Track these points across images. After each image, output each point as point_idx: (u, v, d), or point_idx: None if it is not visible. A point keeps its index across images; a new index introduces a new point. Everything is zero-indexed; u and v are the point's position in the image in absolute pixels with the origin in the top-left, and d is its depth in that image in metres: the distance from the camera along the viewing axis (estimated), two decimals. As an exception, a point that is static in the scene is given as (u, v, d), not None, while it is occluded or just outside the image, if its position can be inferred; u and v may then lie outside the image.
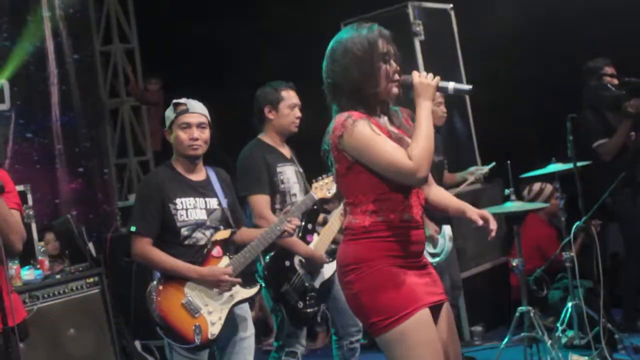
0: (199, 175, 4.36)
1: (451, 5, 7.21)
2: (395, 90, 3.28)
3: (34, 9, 8.13)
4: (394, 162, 3.09)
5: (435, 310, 3.23)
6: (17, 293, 4.00)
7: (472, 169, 6.26)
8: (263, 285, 4.66)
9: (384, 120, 3.31)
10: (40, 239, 6.09)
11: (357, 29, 3.28)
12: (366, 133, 3.10)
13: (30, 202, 5.93)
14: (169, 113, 4.30)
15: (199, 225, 4.21)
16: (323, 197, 4.62)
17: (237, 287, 4.22)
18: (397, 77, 3.27)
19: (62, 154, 8.39)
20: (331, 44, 3.30)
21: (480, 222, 3.42)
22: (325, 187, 4.62)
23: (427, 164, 3.12)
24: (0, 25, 7.66)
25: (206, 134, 4.29)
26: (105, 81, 9.38)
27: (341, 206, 4.71)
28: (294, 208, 4.53)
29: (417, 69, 6.46)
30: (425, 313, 3.15)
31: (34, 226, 5.95)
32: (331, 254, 4.79)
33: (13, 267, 5.33)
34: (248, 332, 4.35)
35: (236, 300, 4.23)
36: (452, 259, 5.94)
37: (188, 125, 4.24)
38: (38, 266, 5.72)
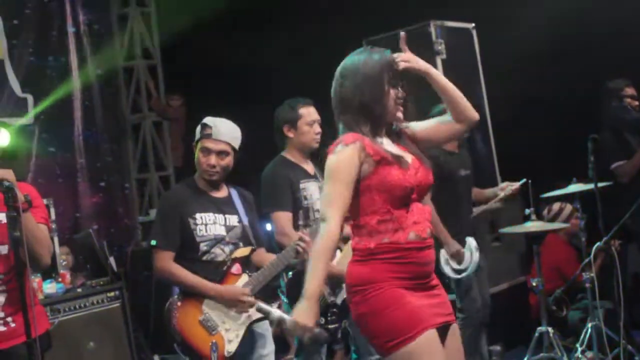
0: (220, 193, 4.40)
1: (473, 25, 7.23)
2: (400, 114, 3.34)
3: (60, 25, 8.21)
4: (328, 203, 3.17)
5: (442, 331, 3.23)
6: (41, 305, 4.04)
7: (503, 184, 6.20)
8: (286, 300, 4.67)
9: (384, 141, 3.32)
10: (55, 253, 6.12)
11: (369, 52, 3.36)
12: (337, 168, 3.18)
13: (53, 216, 5.97)
14: (198, 130, 4.35)
15: (217, 241, 4.24)
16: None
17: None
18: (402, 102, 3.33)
19: (84, 168, 8.43)
20: (343, 63, 3.36)
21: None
22: None
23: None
24: (26, 41, 7.74)
25: (226, 161, 4.31)
26: (128, 97, 9.44)
27: None
28: (314, 226, 4.50)
29: (439, 88, 6.59)
30: (431, 334, 3.14)
31: (56, 240, 5.99)
32: None
33: (35, 280, 5.37)
34: (267, 350, 4.36)
35: (254, 318, 4.24)
36: (482, 278, 5.92)
37: (208, 151, 4.27)
38: (60, 279, 5.76)
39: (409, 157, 3.29)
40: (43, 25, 8.02)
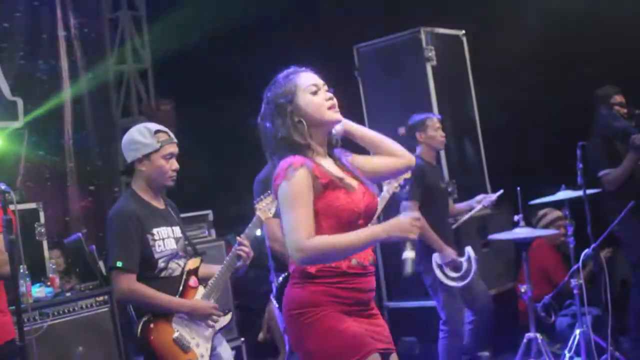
0: (161, 204, 4.27)
1: (463, 31, 7.26)
2: (337, 114, 3.21)
3: (51, 29, 8.20)
4: (293, 230, 3.00)
5: (384, 358, 3.17)
6: (11, 314, 3.92)
7: (480, 197, 6.26)
8: (276, 305, 4.66)
9: (328, 162, 3.22)
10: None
11: (274, 81, 3.28)
12: (293, 190, 3.03)
13: (42, 220, 5.96)
14: (149, 141, 4.13)
15: (173, 256, 4.14)
16: (267, 218, 4.45)
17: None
18: (330, 102, 3.19)
19: (74, 172, 8.42)
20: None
21: None
22: (267, 207, 4.41)
23: (316, 258, 3.02)
24: (16, 44, 7.73)
25: None
26: (118, 100, 9.44)
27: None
28: (246, 231, 4.40)
29: (429, 94, 6.64)
30: (376, 358, 3.08)
31: (45, 244, 5.98)
32: None
33: (24, 284, 5.35)
34: (226, 354, 4.34)
35: (217, 329, 4.22)
36: (479, 282, 5.96)
37: (172, 156, 4.17)
38: (49, 283, 5.74)
39: (353, 182, 3.20)
40: (33, 29, 8.02)
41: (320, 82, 3.22)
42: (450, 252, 5.70)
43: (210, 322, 4.15)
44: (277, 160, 3.15)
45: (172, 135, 4.23)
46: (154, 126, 4.22)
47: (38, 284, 5.65)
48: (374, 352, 3.07)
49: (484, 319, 6.06)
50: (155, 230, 4.10)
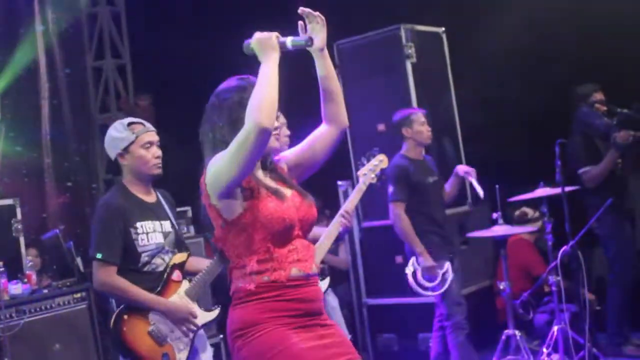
0: (151, 197, 4.26)
1: (443, 29, 7.27)
2: (276, 143, 3.12)
3: (28, 23, 8.14)
4: (236, 143, 2.82)
5: None
6: None
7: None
8: None
9: (259, 174, 3.08)
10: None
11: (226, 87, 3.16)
12: (218, 159, 2.89)
13: (19, 216, 5.91)
14: (124, 134, 4.15)
15: (158, 250, 4.12)
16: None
17: (199, 311, 4.18)
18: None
19: (51, 168, 8.38)
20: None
21: None
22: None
23: (266, 110, 2.80)
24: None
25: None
26: (97, 96, 9.39)
27: (332, 222, 4.73)
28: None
29: (409, 91, 6.65)
30: None
31: (22, 240, 5.93)
32: (321, 273, 4.79)
33: (0, 280, 5.31)
34: (207, 352, 4.31)
35: (200, 324, 4.18)
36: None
37: (151, 144, 4.16)
38: (25, 280, 5.70)
39: (287, 191, 3.06)
40: (11, 23, 7.95)
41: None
42: (429, 260, 5.65)
43: (184, 330, 4.09)
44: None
45: (147, 124, 4.23)
46: (128, 119, 4.24)
47: (14, 281, 5.60)
48: None
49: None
50: (139, 224, 4.08)
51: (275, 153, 3.19)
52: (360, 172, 4.95)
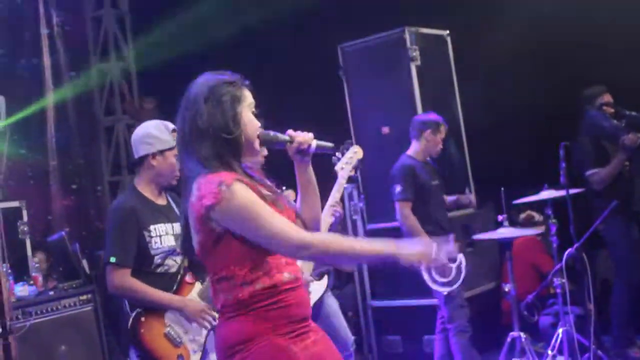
0: (162, 200, 4.28)
1: (447, 32, 7.27)
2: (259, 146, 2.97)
3: (32, 26, 8.16)
4: (282, 234, 2.73)
5: None
6: None
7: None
8: None
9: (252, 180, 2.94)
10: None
11: (214, 75, 3.21)
12: (250, 200, 2.74)
13: (25, 218, 5.93)
14: (167, 137, 4.13)
15: (170, 253, 4.14)
16: None
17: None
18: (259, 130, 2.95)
19: (56, 170, 8.38)
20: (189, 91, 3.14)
21: None
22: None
23: (325, 250, 2.80)
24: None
25: None
26: (101, 99, 9.40)
27: (323, 212, 4.72)
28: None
29: (413, 94, 6.65)
30: None
31: (28, 242, 5.95)
32: (318, 273, 4.79)
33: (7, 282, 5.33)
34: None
35: (214, 324, 4.16)
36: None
37: (176, 156, 4.12)
38: (32, 282, 5.71)
39: (283, 198, 3.00)
40: (15, 26, 7.97)
41: None
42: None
43: (202, 321, 4.11)
44: (189, 165, 2.89)
45: None
46: (172, 125, 4.19)
47: (21, 283, 5.62)
48: None
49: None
50: (152, 227, 4.11)
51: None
52: (337, 167, 4.91)
